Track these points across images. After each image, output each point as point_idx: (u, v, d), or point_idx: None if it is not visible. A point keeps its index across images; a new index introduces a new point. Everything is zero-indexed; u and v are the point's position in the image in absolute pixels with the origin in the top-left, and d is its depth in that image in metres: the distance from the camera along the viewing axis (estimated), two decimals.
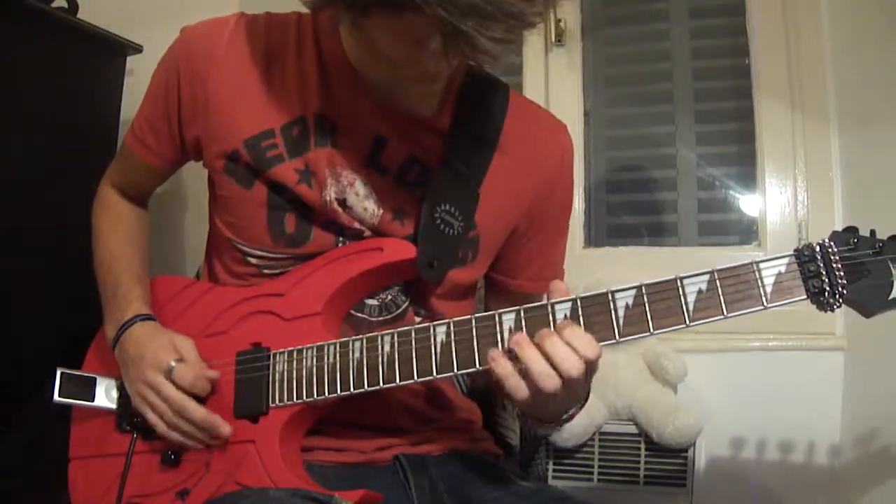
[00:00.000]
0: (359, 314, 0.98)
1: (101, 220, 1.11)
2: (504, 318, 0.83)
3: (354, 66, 0.94)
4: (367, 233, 0.96)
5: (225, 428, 0.90)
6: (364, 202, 0.95)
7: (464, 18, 0.68)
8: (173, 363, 0.91)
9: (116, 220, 1.11)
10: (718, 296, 0.77)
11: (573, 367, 0.77)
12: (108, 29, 1.52)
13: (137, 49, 1.58)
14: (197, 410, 0.90)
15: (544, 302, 0.82)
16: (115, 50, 1.56)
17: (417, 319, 1.00)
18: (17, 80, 1.33)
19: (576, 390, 0.82)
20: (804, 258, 0.77)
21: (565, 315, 0.81)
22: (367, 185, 0.95)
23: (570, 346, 0.77)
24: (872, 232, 0.77)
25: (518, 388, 0.78)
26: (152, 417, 0.93)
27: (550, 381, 0.77)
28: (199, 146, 0.99)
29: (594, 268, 1.82)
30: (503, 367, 0.79)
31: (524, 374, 0.78)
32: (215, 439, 0.91)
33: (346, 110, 0.96)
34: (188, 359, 0.93)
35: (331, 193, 0.94)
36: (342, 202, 0.95)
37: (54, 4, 1.44)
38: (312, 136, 0.95)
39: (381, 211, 0.96)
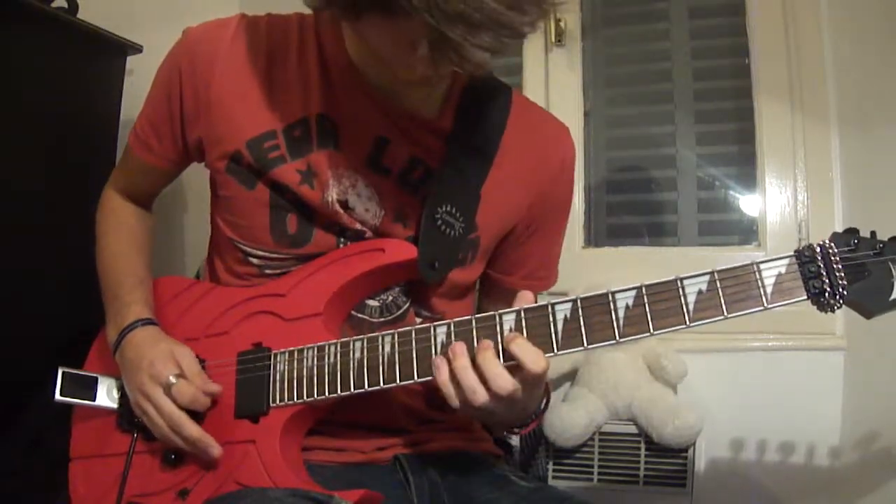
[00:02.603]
0: (360, 315, 0.98)
1: (104, 224, 1.11)
2: (504, 318, 0.83)
3: (357, 66, 0.94)
4: (369, 234, 0.96)
5: (216, 449, 0.90)
6: (366, 203, 0.95)
7: (451, 25, 0.67)
8: (173, 379, 0.90)
9: (119, 222, 1.11)
10: (719, 296, 0.77)
11: (504, 385, 0.78)
12: (108, 29, 1.53)
13: (137, 49, 1.58)
14: (191, 429, 0.90)
15: (545, 303, 0.83)
16: (115, 50, 1.56)
17: (418, 320, 1.00)
18: (17, 80, 1.33)
19: (517, 405, 0.83)
20: (804, 259, 0.77)
21: (565, 316, 0.81)
22: (369, 186, 0.95)
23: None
24: (873, 233, 0.77)
25: (450, 396, 0.80)
26: (149, 425, 0.93)
27: (477, 396, 0.78)
28: (201, 147, 0.99)
29: (594, 268, 1.82)
30: (441, 375, 0.81)
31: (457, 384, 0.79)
32: (206, 456, 0.91)
33: (348, 111, 0.96)
34: (189, 372, 0.92)
35: (332, 194, 0.94)
36: (344, 203, 0.95)
37: (54, 4, 1.44)
38: (314, 138, 0.95)
39: (383, 212, 0.96)
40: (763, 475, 1.63)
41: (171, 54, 1.00)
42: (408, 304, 1.00)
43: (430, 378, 0.85)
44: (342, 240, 0.97)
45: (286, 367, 0.91)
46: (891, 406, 1.46)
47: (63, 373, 0.97)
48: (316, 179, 0.94)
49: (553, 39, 1.93)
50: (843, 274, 0.76)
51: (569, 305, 0.81)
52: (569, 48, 1.95)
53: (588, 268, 1.82)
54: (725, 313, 0.77)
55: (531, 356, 0.79)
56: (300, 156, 0.95)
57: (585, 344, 0.80)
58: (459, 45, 0.69)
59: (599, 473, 1.62)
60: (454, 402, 0.81)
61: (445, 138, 0.98)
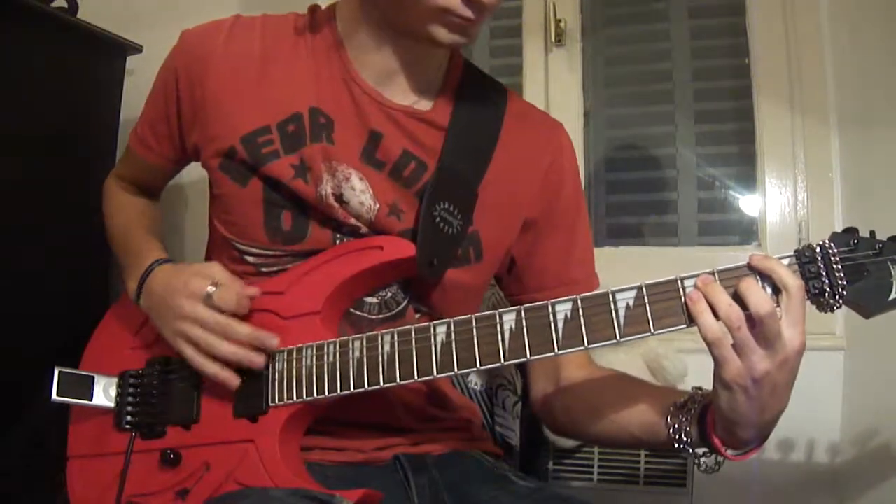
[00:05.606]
0: (358, 312, 0.98)
1: (111, 204, 1.15)
2: (505, 318, 0.83)
3: (352, 62, 0.96)
4: (364, 229, 0.96)
5: (274, 340, 0.90)
6: (360, 196, 0.95)
7: None
8: (211, 289, 0.90)
9: (127, 200, 1.14)
10: None
11: (763, 304, 0.74)
12: (108, 29, 1.53)
13: (137, 49, 1.59)
14: (244, 328, 0.90)
15: (544, 302, 0.82)
16: (115, 50, 1.57)
17: (417, 317, 1.00)
18: (17, 81, 1.34)
19: (785, 369, 0.77)
20: (805, 259, 0.77)
21: (565, 315, 0.81)
22: (364, 179, 0.96)
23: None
24: (872, 233, 0.77)
25: (728, 358, 0.76)
26: (191, 351, 0.91)
27: (742, 331, 0.74)
28: (198, 148, 1.01)
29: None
30: (714, 331, 0.76)
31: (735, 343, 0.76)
32: (263, 357, 0.90)
33: (341, 106, 0.96)
34: (223, 282, 0.92)
35: (327, 188, 0.94)
36: (338, 197, 0.95)
37: (54, 4, 1.44)
38: (308, 132, 0.95)
39: (378, 206, 0.96)
40: (763, 474, 1.63)
41: (168, 57, 1.02)
42: (406, 301, 1.00)
43: (430, 378, 0.85)
44: (338, 235, 0.97)
45: (285, 367, 0.91)
46: (890, 405, 1.46)
47: (59, 372, 0.96)
48: (310, 174, 0.95)
49: (553, 39, 1.93)
50: (842, 274, 0.75)
51: (569, 305, 0.81)
52: (569, 48, 1.95)
53: None
54: None
55: (756, 295, 0.75)
56: (293, 150, 0.95)
57: (586, 343, 0.80)
58: None
59: (599, 473, 1.62)
60: (734, 364, 0.76)
61: (441, 133, 0.98)
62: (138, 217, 1.12)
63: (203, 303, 0.90)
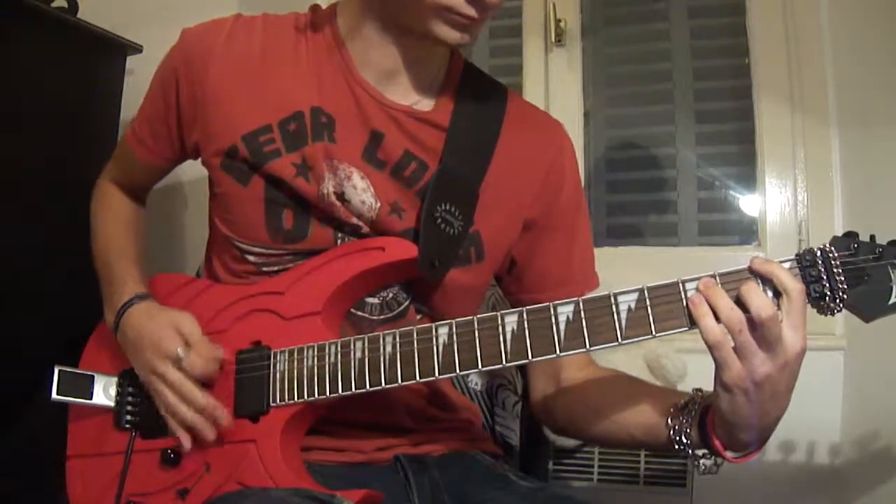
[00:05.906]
0: (359, 312, 0.98)
1: (98, 211, 1.13)
2: (507, 319, 0.83)
3: (353, 61, 0.97)
4: (365, 228, 0.96)
5: (225, 419, 0.90)
6: (362, 195, 0.95)
7: None
8: (181, 352, 0.91)
9: (114, 211, 1.13)
10: None
11: (765, 307, 0.74)
12: (108, 29, 1.53)
13: (137, 49, 1.58)
14: (205, 398, 0.90)
15: (546, 304, 0.82)
16: (115, 50, 1.56)
17: (418, 317, 1.00)
18: (17, 80, 1.33)
19: (786, 370, 0.76)
20: (805, 263, 0.77)
21: (567, 317, 0.81)
22: (365, 178, 0.96)
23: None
24: (872, 237, 0.77)
25: (729, 361, 0.76)
26: (159, 401, 0.93)
27: (744, 334, 0.74)
28: (198, 148, 1.01)
29: None
30: (715, 334, 0.77)
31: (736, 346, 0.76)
32: (214, 430, 0.90)
33: (343, 105, 0.97)
34: (194, 342, 0.92)
35: (329, 187, 0.94)
36: (340, 196, 0.95)
37: (54, 4, 1.44)
38: (309, 131, 0.96)
39: (379, 205, 0.96)
40: (763, 475, 1.63)
41: (167, 55, 1.02)
42: (408, 302, 1.00)
43: (431, 379, 0.85)
44: (340, 234, 0.97)
45: (286, 367, 0.91)
46: (890, 405, 1.46)
47: (59, 371, 0.96)
48: (311, 172, 0.95)
49: (553, 39, 1.93)
50: (843, 278, 0.75)
51: (571, 307, 0.81)
52: (569, 48, 1.95)
53: None
54: None
55: (758, 299, 0.75)
56: (295, 149, 0.95)
57: (588, 346, 0.80)
58: None
59: (599, 473, 1.62)
60: (735, 367, 0.76)
61: (442, 133, 0.98)
62: (124, 233, 1.11)
63: (173, 364, 0.91)
